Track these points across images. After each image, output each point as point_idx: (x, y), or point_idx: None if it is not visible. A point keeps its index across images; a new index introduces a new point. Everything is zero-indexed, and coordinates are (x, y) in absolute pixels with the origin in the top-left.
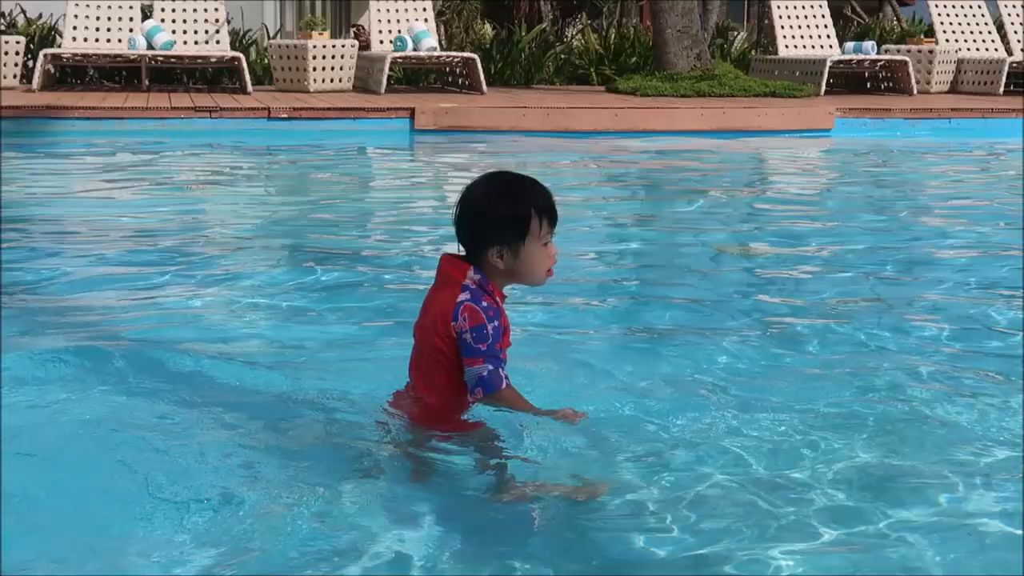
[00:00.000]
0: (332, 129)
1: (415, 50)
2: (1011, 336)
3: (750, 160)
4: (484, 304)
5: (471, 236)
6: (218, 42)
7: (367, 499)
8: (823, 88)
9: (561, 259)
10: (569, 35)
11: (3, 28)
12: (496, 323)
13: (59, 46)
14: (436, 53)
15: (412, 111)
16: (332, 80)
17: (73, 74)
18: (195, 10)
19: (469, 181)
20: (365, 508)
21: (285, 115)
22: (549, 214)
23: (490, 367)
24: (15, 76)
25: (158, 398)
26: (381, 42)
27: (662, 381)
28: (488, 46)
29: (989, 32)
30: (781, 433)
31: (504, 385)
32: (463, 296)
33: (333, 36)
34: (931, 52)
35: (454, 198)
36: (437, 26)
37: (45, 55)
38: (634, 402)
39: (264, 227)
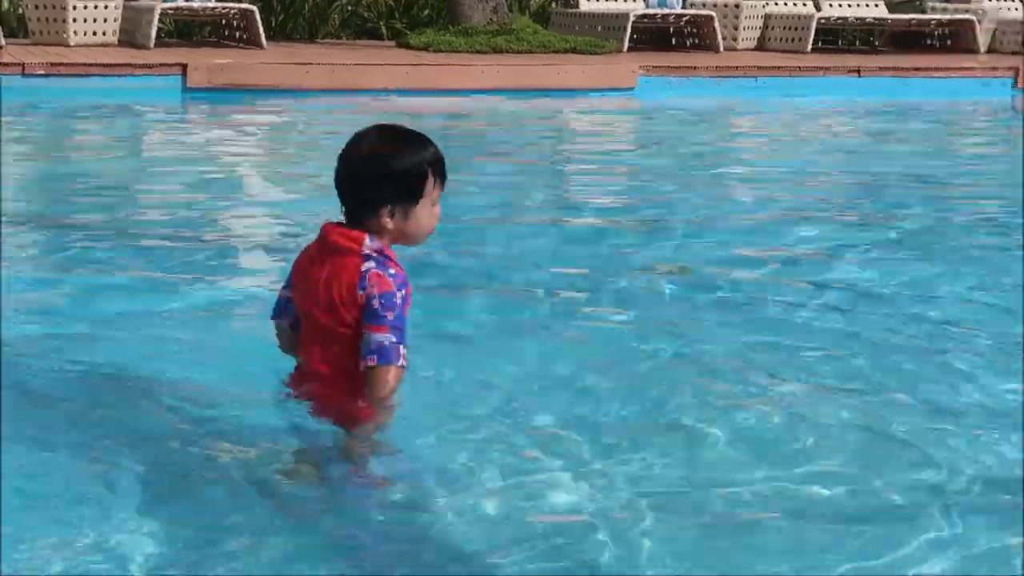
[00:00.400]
0: (95, 87)
1: (187, 0)
2: (823, 290)
3: (550, 121)
4: (392, 272)
5: (359, 195)
6: None
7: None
8: (626, 44)
9: None
10: None
11: None
12: (404, 292)
13: None
14: (210, 4)
15: (184, 67)
16: (95, 33)
17: None
18: None
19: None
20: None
21: (41, 71)
22: (442, 172)
23: (394, 339)
24: None
25: None
26: None
27: (479, 372)
28: None
29: None
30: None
31: (399, 363)
32: (368, 264)
33: None
34: (737, 7)
35: (229, 161)
36: None
37: None
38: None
39: (19, 198)
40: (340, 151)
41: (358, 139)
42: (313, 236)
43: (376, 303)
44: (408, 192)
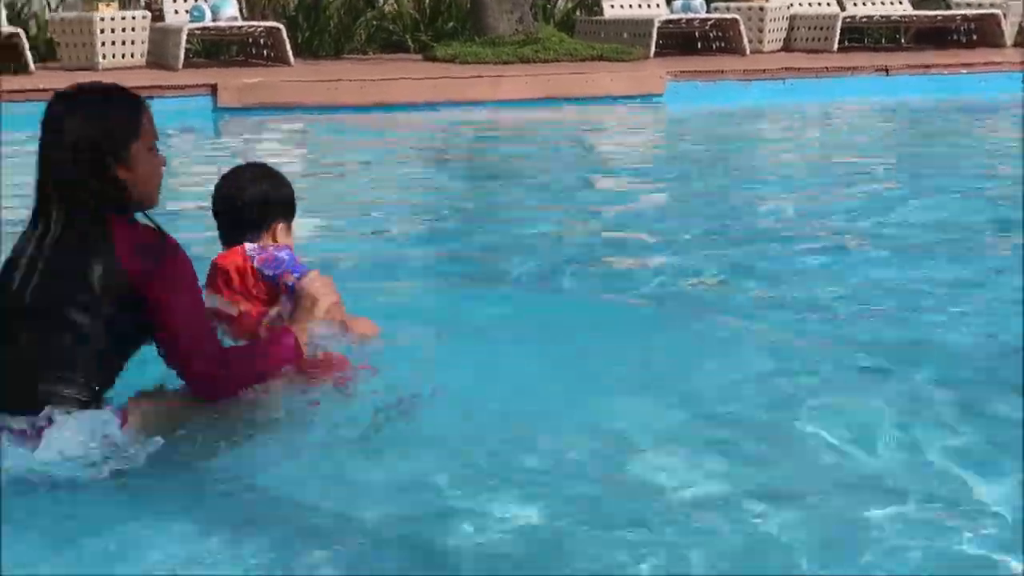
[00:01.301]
0: None
1: (214, 20)
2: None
3: (579, 130)
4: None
5: (256, 221)
6: None
7: None
8: (652, 50)
9: (385, 247)
10: None
11: None
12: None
13: None
14: (237, 23)
15: (214, 88)
16: (124, 56)
17: None
18: None
19: (237, 166)
20: None
21: None
22: None
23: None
24: None
25: None
26: (176, 12)
27: (516, 373)
28: (294, 13)
29: None
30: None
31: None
32: (251, 255)
33: (122, 7)
34: (762, 9)
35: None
36: None
37: None
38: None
39: None
40: (218, 188)
41: (241, 171)
42: (355, 254)
43: (269, 271)
44: (292, 209)
